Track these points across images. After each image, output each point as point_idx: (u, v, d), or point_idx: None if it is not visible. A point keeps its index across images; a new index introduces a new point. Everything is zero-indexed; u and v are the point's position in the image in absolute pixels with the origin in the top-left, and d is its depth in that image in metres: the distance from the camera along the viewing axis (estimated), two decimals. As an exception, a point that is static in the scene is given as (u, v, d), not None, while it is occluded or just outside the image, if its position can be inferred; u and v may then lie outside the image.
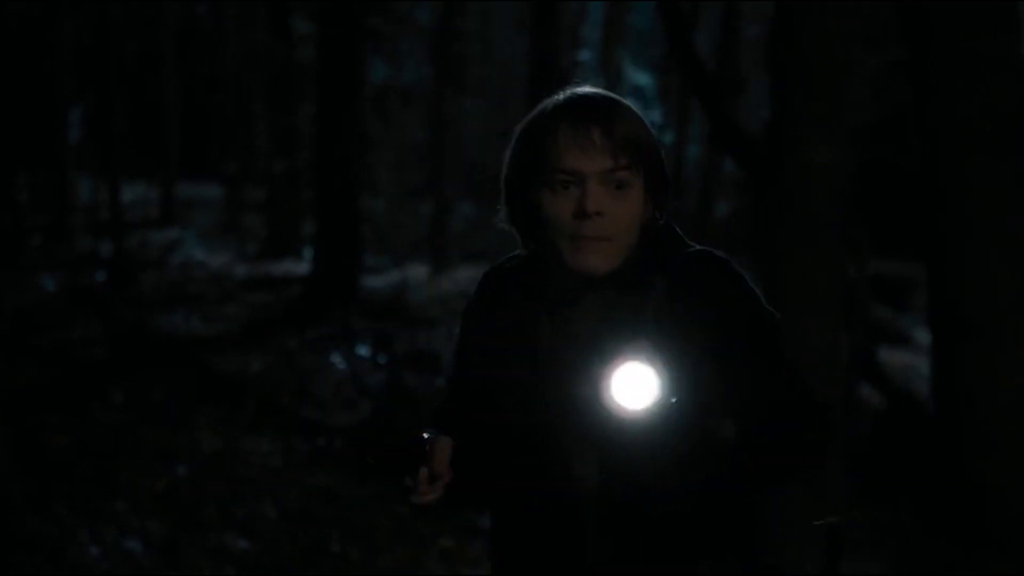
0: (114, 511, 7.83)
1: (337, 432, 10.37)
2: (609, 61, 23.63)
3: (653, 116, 25.28)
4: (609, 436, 2.41)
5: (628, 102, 2.55)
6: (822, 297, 6.15)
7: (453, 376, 2.72)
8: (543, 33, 17.87)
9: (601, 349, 2.43)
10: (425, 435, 2.54)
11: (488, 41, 25.41)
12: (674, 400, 2.27)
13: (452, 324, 15.94)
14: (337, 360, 12.90)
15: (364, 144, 18.42)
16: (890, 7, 11.97)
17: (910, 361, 16.64)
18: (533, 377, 2.53)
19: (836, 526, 2.54)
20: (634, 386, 2.25)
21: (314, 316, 15.01)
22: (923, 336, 18.72)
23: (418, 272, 19.54)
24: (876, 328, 15.13)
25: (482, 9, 24.38)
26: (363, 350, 13.33)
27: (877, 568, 7.54)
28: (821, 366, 6.15)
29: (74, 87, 19.99)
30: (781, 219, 6.24)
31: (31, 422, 9.32)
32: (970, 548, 6.91)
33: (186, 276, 17.82)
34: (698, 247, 2.56)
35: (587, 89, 2.55)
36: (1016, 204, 6.84)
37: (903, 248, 19.83)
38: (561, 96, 2.53)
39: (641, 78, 26.28)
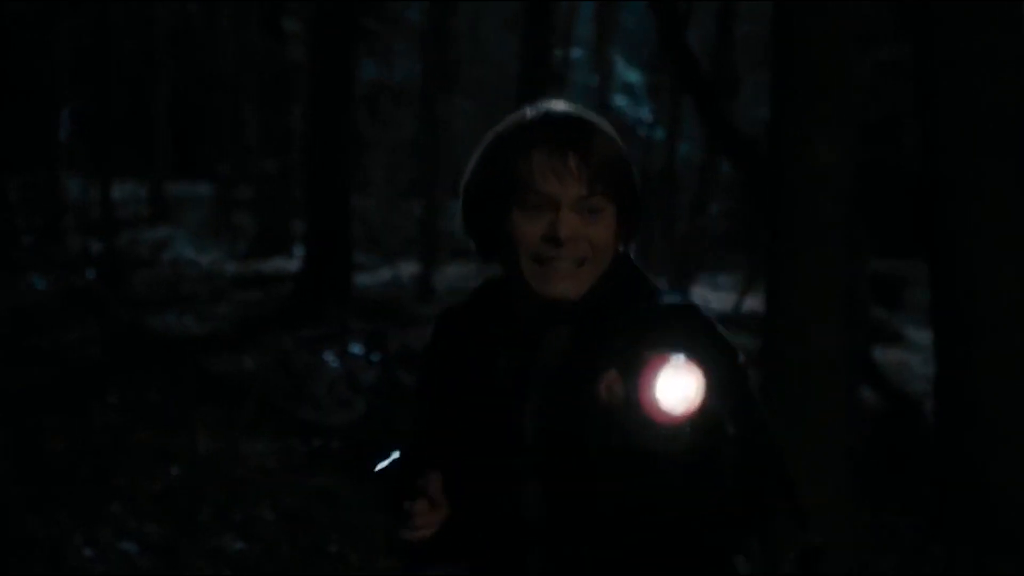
0: (111, 513, 7.82)
1: (333, 432, 10.35)
2: (601, 59, 23.63)
3: (643, 113, 25.25)
4: (559, 468, 2.35)
5: (604, 122, 2.45)
6: (825, 299, 6.13)
7: (415, 420, 2.61)
8: (534, 32, 17.86)
9: (560, 385, 2.37)
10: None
11: (480, 41, 25.39)
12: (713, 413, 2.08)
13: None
14: (330, 359, 12.89)
15: (356, 143, 18.41)
16: (884, 7, 11.98)
17: (903, 359, 16.67)
18: (487, 409, 2.44)
19: (812, 551, 2.37)
20: (678, 389, 2.05)
21: (306, 314, 15.00)
22: (915, 334, 18.76)
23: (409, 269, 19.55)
24: (870, 327, 15.13)
25: (474, 8, 24.35)
26: (356, 348, 13.32)
27: (884, 570, 7.53)
28: (823, 369, 6.15)
29: (67, 87, 19.96)
30: (783, 220, 6.22)
31: (27, 423, 9.30)
32: (979, 549, 6.91)
33: (177, 274, 17.80)
34: (673, 298, 2.45)
35: (562, 108, 2.44)
36: (1019, 204, 6.85)
37: (892, 246, 19.87)
38: (535, 114, 2.42)
39: (632, 75, 26.26)
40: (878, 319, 17.81)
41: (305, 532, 8.02)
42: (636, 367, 2.07)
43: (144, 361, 11.88)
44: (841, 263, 6.22)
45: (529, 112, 2.43)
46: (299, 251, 18.22)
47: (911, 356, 17.00)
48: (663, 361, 2.06)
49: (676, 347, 2.09)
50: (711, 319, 2.40)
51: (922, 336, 17.81)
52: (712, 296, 20.79)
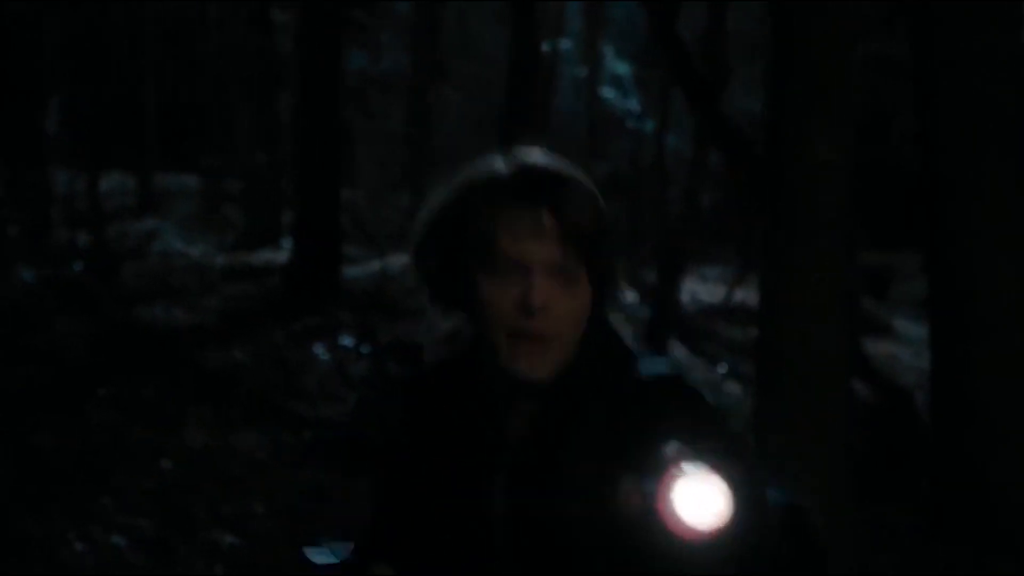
0: (103, 508, 7.80)
1: (325, 425, 10.35)
2: (591, 51, 23.63)
3: (631, 104, 25.26)
4: (533, 559, 2.14)
5: (583, 176, 2.20)
6: (825, 299, 6.12)
7: (377, 502, 2.36)
8: (523, 24, 17.82)
9: (529, 469, 2.16)
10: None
11: (469, 33, 25.36)
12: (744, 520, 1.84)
13: (433, 315, 15.97)
14: (321, 351, 12.88)
15: (344, 135, 18.39)
16: (879, 4, 11.99)
17: (893, 351, 16.72)
18: (453, 491, 2.23)
19: None
20: (701, 501, 1.83)
21: (296, 307, 14.97)
22: (903, 326, 18.82)
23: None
24: (859, 319, 15.17)
25: (463, 0, 24.34)
26: (347, 341, 13.31)
27: (884, 570, 7.54)
28: (823, 369, 6.14)
29: (55, 79, 19.89)
30: (783, 220, 6.21)
31: (17, 419, 9.26)
32: (979, 549, 6.92)
33: (166, 267, 17.76)
34: (654, 367, 2.23)
35: (539, 159, 2.19)
36: (1019, 204, 6.87)
37: (879, 238, 19.92)
38: (508, 165, 2.18)
39: (621, 67, 26.27)
40: (867, 311, 17.87)
41: (297, 527, 8.01)
42: (652, 473, 1.86)
43: (134, 355, 11.84)
44: (841, 263, 6.21)
45: (501, 163, 2.20)
46: (288, 243, 18.19)
47: (900, 348, 17.05)
48: (678, 470, 1.83)
49: (689, 450, 1.87)
50: (697, 391, 2.20)
51: (910, 328, 17.87)
52: (702, 288, 20.83)
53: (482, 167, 2.20)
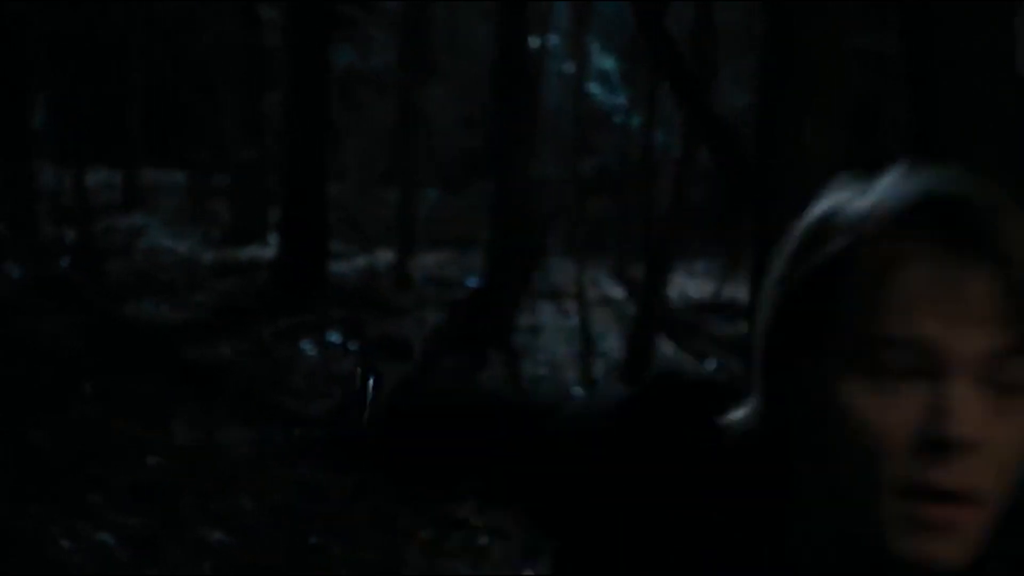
0: (89, 504, 7.77)
1: (313, 422, 10.34)
2: (578, 47, 23.61)
3: (618, 100, 25.26)
4: None
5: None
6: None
7: None
8: (511, 20, 17.77)
9: None
10: None
11: (458, 29, 25.35)
12: None
13: (421, 311, 16.00)
14: (308, 347, 12.88)
15: (332, 130, 18.38)
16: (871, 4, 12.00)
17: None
18: None
19: None
20: None
21: (284, 303, 14.97)
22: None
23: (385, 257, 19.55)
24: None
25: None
26: (334, 337, 13.31)
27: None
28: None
29: (42, 74, 19.85)
30: (778, 223, 6.19)
31: (5, 417, 9.23)
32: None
33: (153, 263, 17.75)
34: None
35: (951, 181, 1.22)
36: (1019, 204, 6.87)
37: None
38: (897, 193, 1.23)
39: (607, 63, 26.29)
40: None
41: (286, 523, 7.99)
42: None
43: (122, 351, 11.81)
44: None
45: (885, 188, 1.26)
46: (275, 239, 18.19)
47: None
48: None
49: None
50: None
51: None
52: (690, 284, 20.84)
53: (851, 197, 1.30)
